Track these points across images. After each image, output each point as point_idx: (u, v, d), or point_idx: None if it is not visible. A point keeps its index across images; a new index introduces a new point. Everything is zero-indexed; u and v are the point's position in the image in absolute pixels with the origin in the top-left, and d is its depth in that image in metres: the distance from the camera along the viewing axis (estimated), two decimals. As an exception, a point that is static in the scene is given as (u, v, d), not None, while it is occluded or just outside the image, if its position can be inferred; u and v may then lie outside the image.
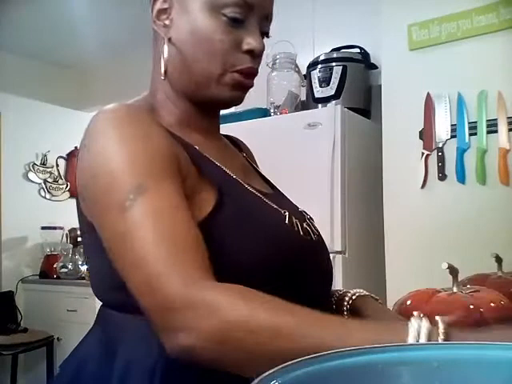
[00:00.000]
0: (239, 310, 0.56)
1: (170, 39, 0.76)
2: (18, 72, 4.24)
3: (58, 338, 3.50)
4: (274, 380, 0.37)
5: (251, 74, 0.77)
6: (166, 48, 0.76)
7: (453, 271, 1.02)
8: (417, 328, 0.53)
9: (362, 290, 0.89)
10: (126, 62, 4.05)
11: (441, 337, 0.53)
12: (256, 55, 0.76)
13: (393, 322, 0.57)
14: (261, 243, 0.70)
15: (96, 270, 0.77)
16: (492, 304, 0.97)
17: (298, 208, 0.87)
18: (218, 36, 0.73)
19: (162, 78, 0.77)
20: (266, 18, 0.78)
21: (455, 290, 1.04)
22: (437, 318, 0.54)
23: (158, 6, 0.76)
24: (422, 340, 0.53)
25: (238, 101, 0.80)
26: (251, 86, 0.79)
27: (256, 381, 0.36)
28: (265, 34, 0.79)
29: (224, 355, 0.57)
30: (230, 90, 0.76)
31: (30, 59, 4.37)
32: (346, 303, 0.86)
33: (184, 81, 0.77)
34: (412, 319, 0.54)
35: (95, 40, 3.92)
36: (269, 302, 0.59)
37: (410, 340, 0.53)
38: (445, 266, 0.91)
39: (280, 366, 0.37)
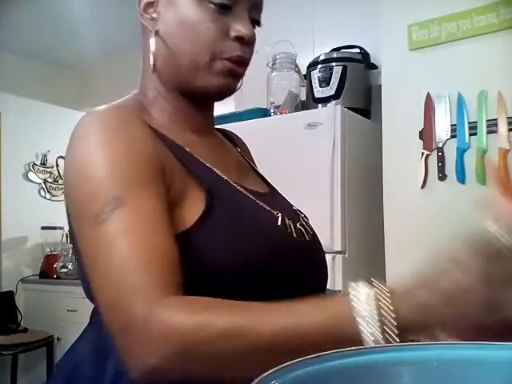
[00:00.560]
0: (195, 324, 0.56)
1: (157, 32, 0.75)
2: (18, 72, 4.24)
3: (58, 338, 3.50)
4: (274, 380, 0.36)
5: (241, 62, 0.75)
6: (153, 41, 0.75)
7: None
8: (357, 299, 0.54)
9: None
10: (126, 62, 4.04)
11: (385, 298, 0.54)
12: (246, 42, 0.74)
13: (338, 301, 0.57)
14: (253, 247, 0.69)
15: (85, 273, 0.77)
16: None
17: (292, 206, 0.86)
18: (206, 24, 0.72)
19: (152, 73, 0.76)
20: (256, 5, 0.77)
21: (455, 289, 1.03)
22: (374, 281, 0.56)
23: None
24: (371, 306, 0.53)
25: (229, 90, 0.77)
26: (242, 74, 0.77)
27: (256, 381, 0.36)
28: (255, 22, 0.77)
29: (189, 370, 0.57)
30: (219, 77, 0.74)
31: (30, 59, 4.38)
32: None
33: (173, 73, 0.76)
34: (351, 290, 0.55)
35: (95, 40, 3.93)
36: (224, 307, 0.58)
37: (357, 308, 0.54)
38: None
39: (280, 366, 0.37)
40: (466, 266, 0.53)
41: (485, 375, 0.39)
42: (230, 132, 0.98)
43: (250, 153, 1.00)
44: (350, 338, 0.53)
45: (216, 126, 0.90)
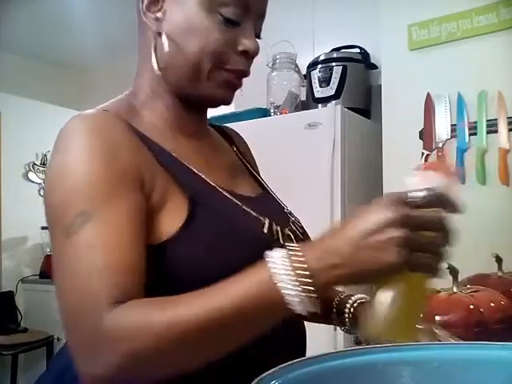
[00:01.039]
0: (138, 325, 0.56)
1: (161, 33, 0.74)
2: (18, 72, 4.24)
3: (57, 338, 3.50)
4: (274, 380, 0.37)
5: (242, 76, 0.76)
6: (164, 42, 0.73)
7: (453, 271, 1.02)
8: (273, 264, 0.55)
9: (362, 296, 0.88)
10: (126, 62, 4.03)
11: (297, 254, 0.55)
12: (250, 56, 0.75)
13: (258, 270, 0.57)
14: (235, 258, 0.68)
15: None
16: (492, 304, 0.98)
17: (283, 209, 0.85)
18: (214, 34, 0.72)
19: (158, 72, 0.75)
20: (261, 19, 0.77)
21: (455, 290, 1.04)
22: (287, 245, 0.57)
23: None
24: (286, 266, 0.55)
25: (224, 100, 0.78)
26: (240, 86, 0.78)
27: (256, 380, 0.36)
28: (257, 35, 0.77)
29: (146, 371, 0.57)
30: (218, 87, 0.75)
31: (30, 59, 4.37)
32: (347, 310, 0.87)
33: (175, 75, 0.75)
34: (267, 258, 0.56)
35: (95, 40, 3.92)
36: (162, 301, 0.58)
37: (276, 273, 0.55)
38: (445, 265, 0.91)
39: (280, 366, 0.37)
40: (375, 211, 0.55)
41: (485, 375, 0.40)
42: (230, 129, 0.97)
43: (249, 151, 0.99)
44: (278, 305, 0.54)
45: (215, 124, 0.89)
